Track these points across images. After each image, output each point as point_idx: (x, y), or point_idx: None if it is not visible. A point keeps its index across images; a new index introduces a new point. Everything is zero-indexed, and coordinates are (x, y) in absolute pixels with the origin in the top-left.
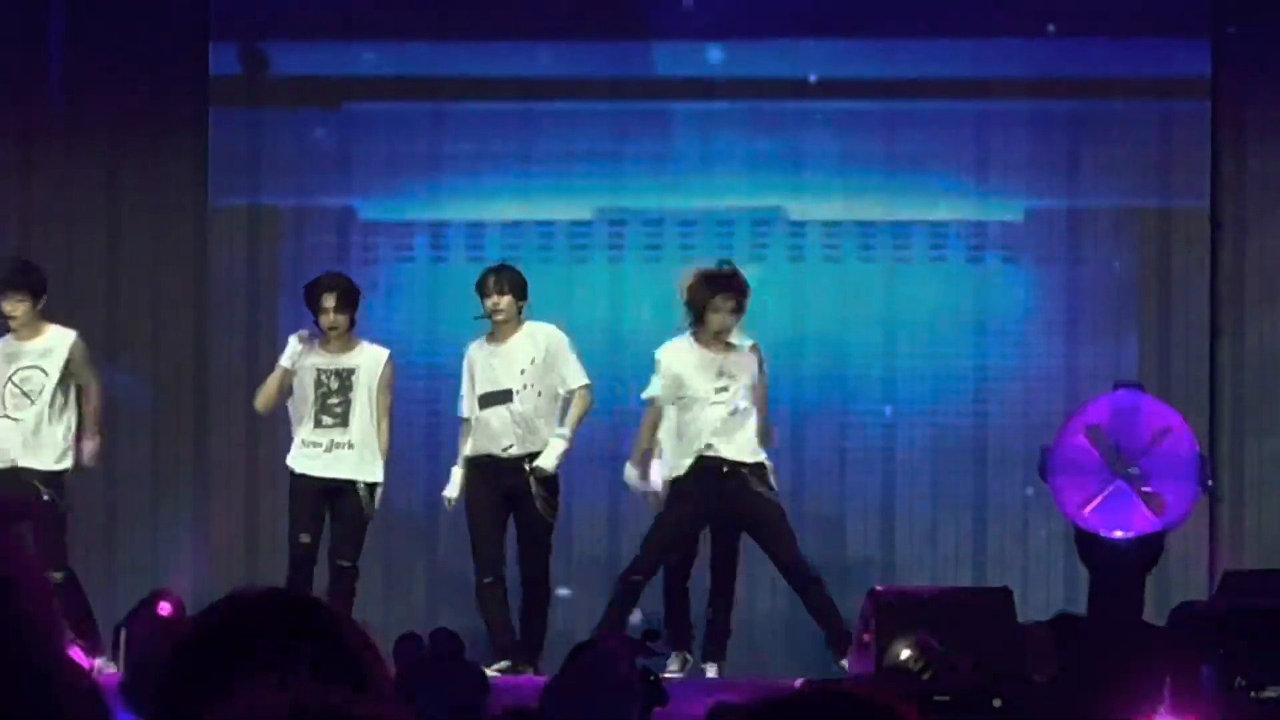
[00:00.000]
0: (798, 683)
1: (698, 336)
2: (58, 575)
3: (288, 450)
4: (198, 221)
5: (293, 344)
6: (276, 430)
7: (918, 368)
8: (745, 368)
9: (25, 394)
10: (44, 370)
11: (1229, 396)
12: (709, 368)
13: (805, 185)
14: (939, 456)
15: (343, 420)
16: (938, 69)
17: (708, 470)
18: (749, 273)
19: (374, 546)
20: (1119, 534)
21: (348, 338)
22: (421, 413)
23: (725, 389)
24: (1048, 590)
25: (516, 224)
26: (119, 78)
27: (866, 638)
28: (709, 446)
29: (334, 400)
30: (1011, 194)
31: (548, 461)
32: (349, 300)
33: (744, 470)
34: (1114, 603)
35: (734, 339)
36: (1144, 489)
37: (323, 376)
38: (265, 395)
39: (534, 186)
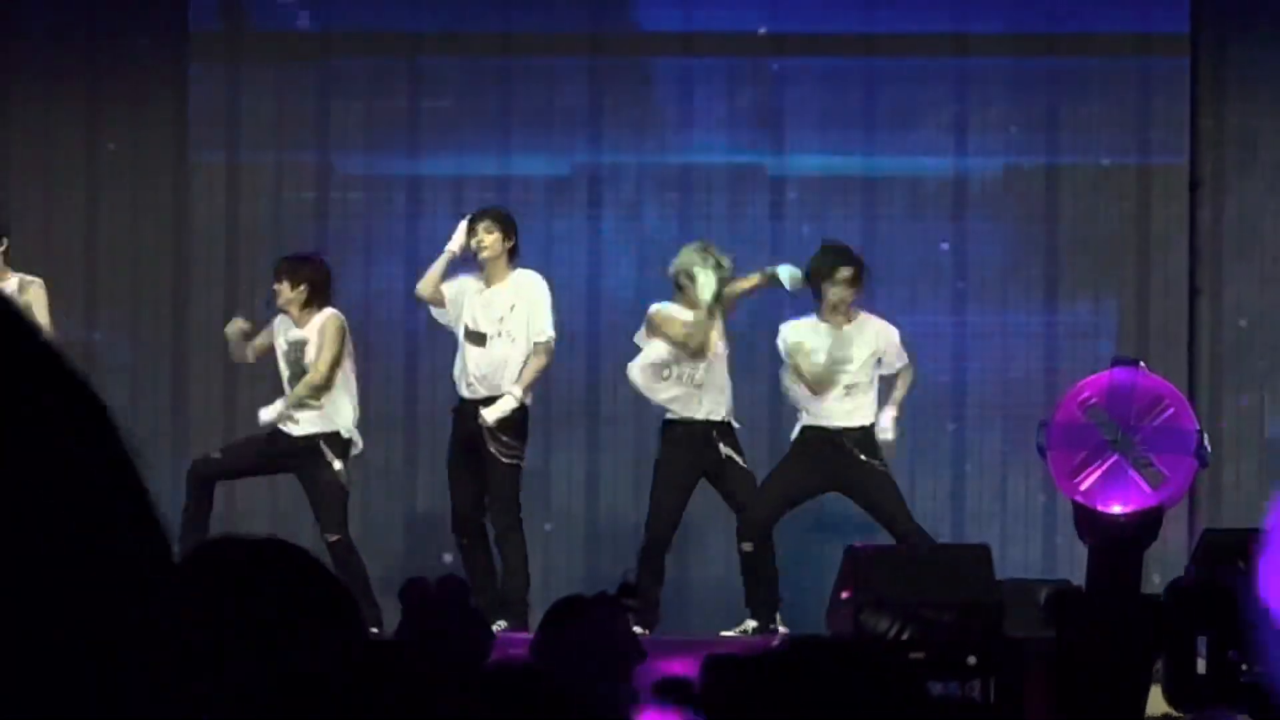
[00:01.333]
0: (776, 639)
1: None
2: None
3: (265, 405)
4: (177, 177)
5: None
6: (254, 386)
7: (897, 325)
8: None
9: None
10: None
11: (1207, 353)
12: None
13: (785, 142)
14: (917, 413)
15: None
16: (917, 25)
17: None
18: (728, 230)
19: (352, 501)
20: (1117, 509)
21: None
22: (399, 368)
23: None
24: (1026, 547)
25: (495, 180)
26: (98, 31)
27: (844, 595)
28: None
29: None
30: (991, 151)
31: (490, 414)
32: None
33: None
34: (1112, 577)
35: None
36: (1141, 463)
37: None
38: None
39: (513, 142)
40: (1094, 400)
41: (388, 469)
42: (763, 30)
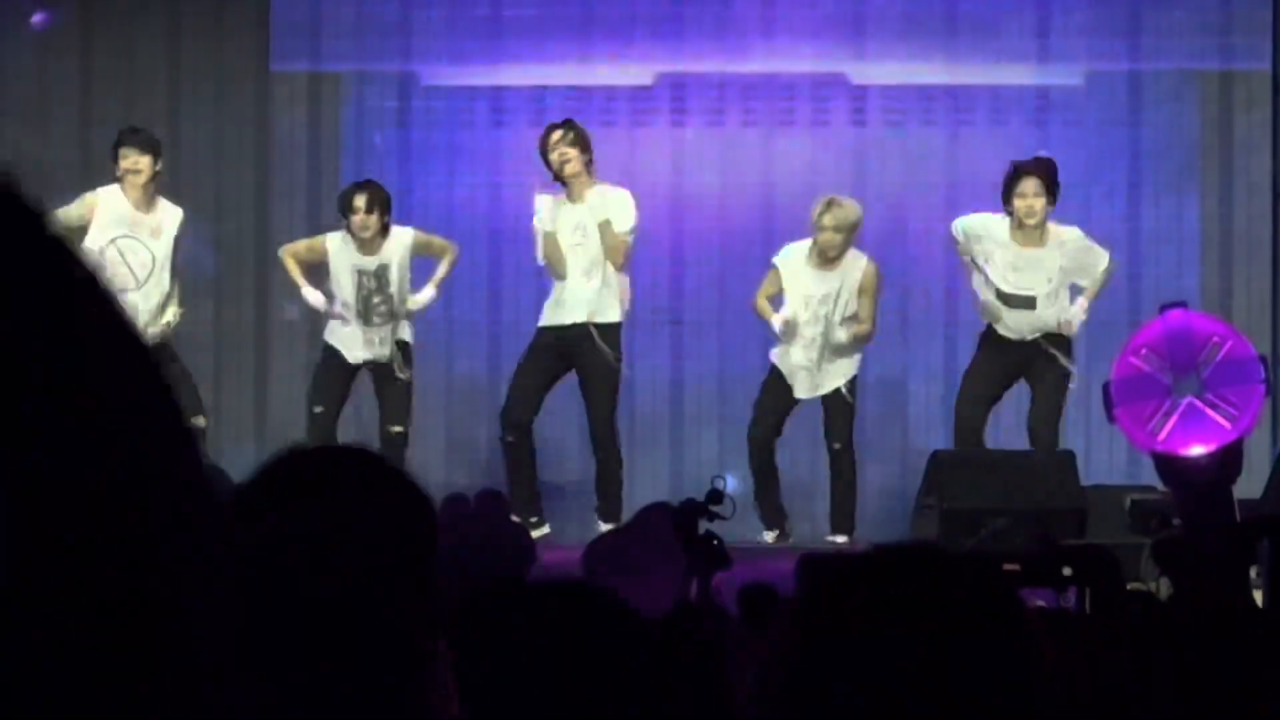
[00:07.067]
0: (858, 547)
1: None
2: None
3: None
4: (259, 86)
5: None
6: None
7: None
8: None
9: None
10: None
11: None
12: None
13: (867, 49)
14: None
15: (388, 316)
16: None
17: None
18: (811, 138)
19: (435, 410)
20: (1198, 450)
21: (379, 239)
22: (483, 278)
23: None
24: (1110, 454)
25: (577, 89)
26: None
27: (928, 501)
28: None
29: (377, 299)
30: (1073, 57)
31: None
32: (381, 204)
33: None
34: (1209, 516)
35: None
36: (1211, 400)
37: (363, 279)
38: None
39: (595, 52)
40: (1150, 349)
41: (472, 378)
42: None
